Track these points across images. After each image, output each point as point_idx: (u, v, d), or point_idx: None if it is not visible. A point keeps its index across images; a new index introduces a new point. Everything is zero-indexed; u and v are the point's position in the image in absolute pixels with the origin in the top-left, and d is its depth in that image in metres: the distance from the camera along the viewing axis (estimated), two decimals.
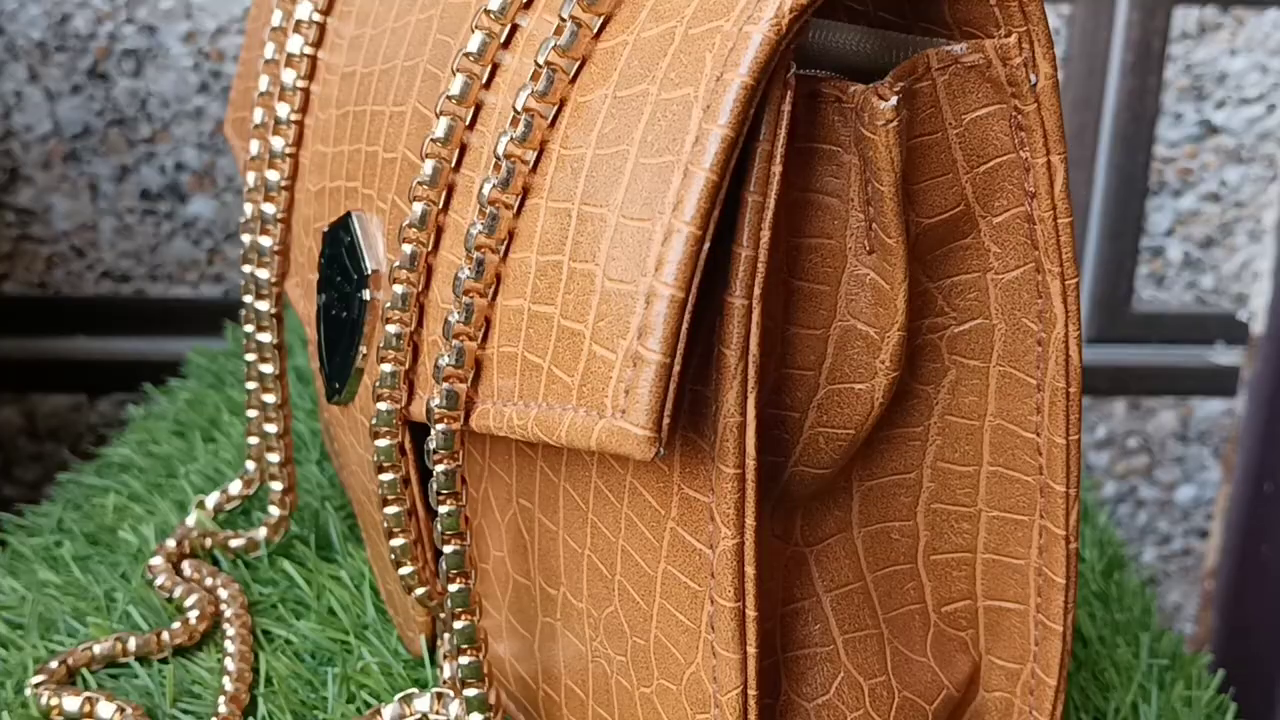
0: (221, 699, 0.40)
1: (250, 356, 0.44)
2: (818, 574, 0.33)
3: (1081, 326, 0.32)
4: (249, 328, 0.44)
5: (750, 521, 0.29)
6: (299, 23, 0.41)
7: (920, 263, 0.32)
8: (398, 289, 0.34)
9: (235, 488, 0.49)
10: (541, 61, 0.30)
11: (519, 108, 0.30)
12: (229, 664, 0.41)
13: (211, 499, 0.49)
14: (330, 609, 0.45)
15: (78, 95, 0.72)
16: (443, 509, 0.33)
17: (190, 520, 0.48)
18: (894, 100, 0.29)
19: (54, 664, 0.41)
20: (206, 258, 0.75)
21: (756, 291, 0.28)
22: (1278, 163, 0.79)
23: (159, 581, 0.46)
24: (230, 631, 0.43)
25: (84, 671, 0.42)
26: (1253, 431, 0.82)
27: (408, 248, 0.33)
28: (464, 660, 0.34)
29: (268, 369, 0.44)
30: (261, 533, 0.48)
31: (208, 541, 0.48)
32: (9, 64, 0.71)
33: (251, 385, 0.45)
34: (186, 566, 0.47)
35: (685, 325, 0.27)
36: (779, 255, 0.30)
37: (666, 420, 0.27)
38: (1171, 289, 0.81)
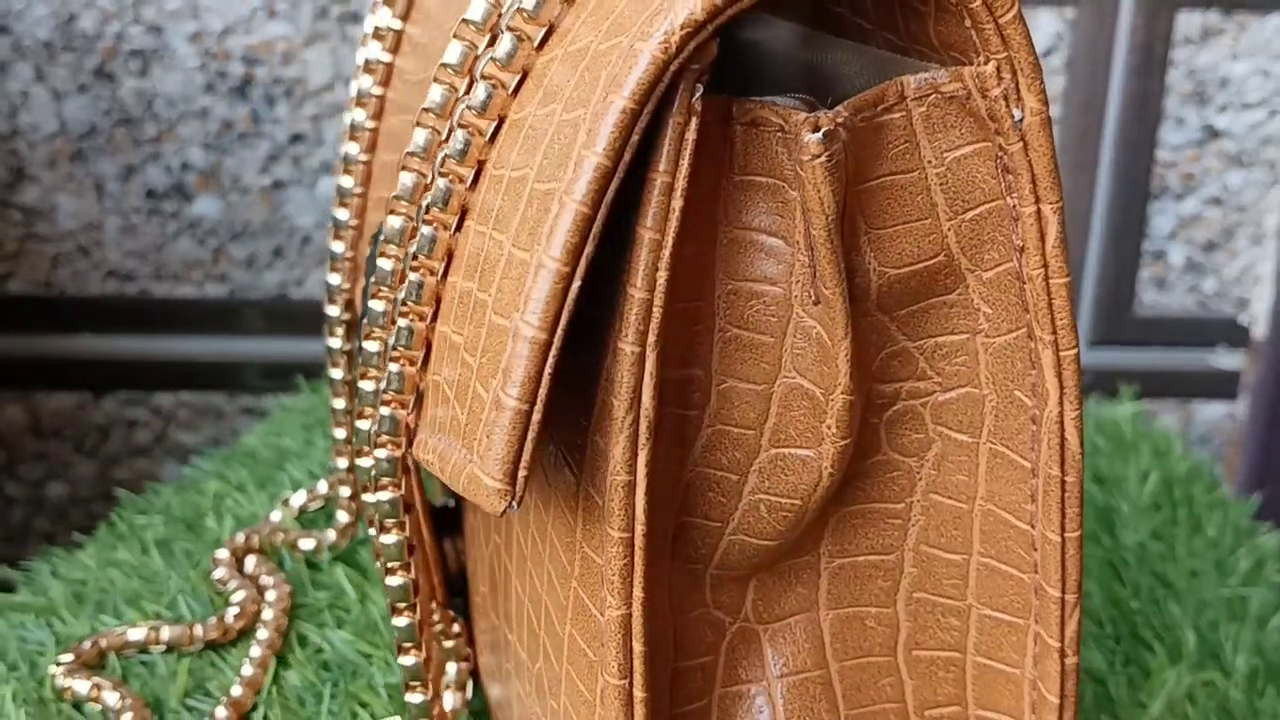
0: (224, 700, 0.40)
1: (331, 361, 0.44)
2: (771, 655, 0.30)
3: (1082, 406, 0.28)
4: (329, 334, 0.43)
5: (638, 592, 0.27)
6: (376, 29, 0.40)
7: (891, 318, 0.28)
8: (375, 305, 0.30)
9: (321, 487, 0.49)
10: (479, 74, 0.28)
11: (457, 122, 0.28)
12: (245, 667, 0.42)
13: (298, 497, 0.49)
14: (372, 622, 0.44)
15: (84, 95, 0.72)
16: (385, 538, 0.30)
17: (274, 516, 0.48)
18: (820, 133, 0.25)
19: (87, 644, 0.42)
20: (212, 258, 0.75)
21: (650, 338, 0.25)
22: (1279, 167, 0.79)
23: (217, 574, 0.46)
24: (261, 634, 0.43)
25: (113, 655, 0.42)
26: (1254, 435, 0.82)
27: (386, 263, 0.30)
28: (413, 699, 0.32)
29: (337, 374, 0.44)
30: (330, 536, 0.47)
31: (279, 539, 0.47)
32: (15, 63, 0.71)
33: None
34: (250, 562, 0.46)
35: (549, 370, 0.25)
36: (713, 299, 0.27)
37: (522, 472, 0.25)
38: (1173, 292, 0.81)
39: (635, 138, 0.24)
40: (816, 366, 0.27)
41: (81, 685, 0.40)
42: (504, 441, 0.25)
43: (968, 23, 0.26)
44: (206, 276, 0.76)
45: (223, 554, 0.46)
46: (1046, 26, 0.75)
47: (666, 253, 0.25)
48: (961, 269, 0.28)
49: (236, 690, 0.41)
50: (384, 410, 0.29)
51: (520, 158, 0.26)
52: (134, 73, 0.72)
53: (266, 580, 0.45)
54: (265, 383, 0.77)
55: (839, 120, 0.26)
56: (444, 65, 0.28)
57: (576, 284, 0.25)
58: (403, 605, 0.31)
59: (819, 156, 0.25)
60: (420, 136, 0.29)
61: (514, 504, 0.25)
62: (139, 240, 0.75)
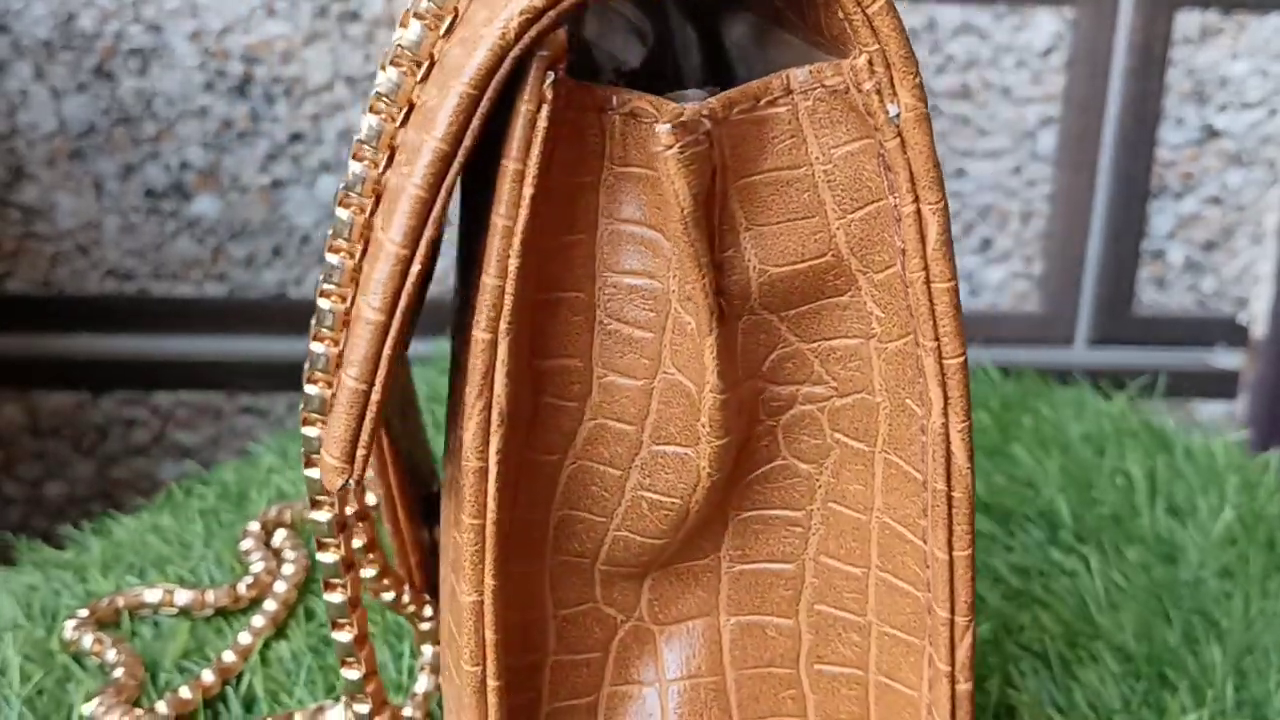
0: (213, 664, 0.41)
1: None
2: (667, 657, 0.29)
3: (970, 417, 0.27)
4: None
5: (490, 580, 0.26)
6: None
7: (781, 318, 0.28)
8: (323, 303, 0.28)
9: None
10: (387, 62, 0.27)
11: (369, 108, 0.27)
12: (243, 635, 0.42)
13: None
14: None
15: (83, 93, 0.72)
16: (315, 514, 0.30)
17: None
18: (669, 124, 0.25)
19: (104, 602, 0.44)
20: (211, 257, 0.75)
21: (502, 325, 0.25)
22: (1279, 167, 0.79)
23: (244, 545, 0.47)
24: (269, 605, 0.44)
25: (127, 614, 0.44)
26: (1253, 435, 0.82)
27: (334, 258, 0.29)
28: (349, 674, 0.31)
29: None
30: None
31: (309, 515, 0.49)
32: (14, 62, 0.71)
33: None
34: (278, 536, 0.48)
35: (388, 351, 0.25)
36: (593, 291, 0.27)
37: (361, 451, 0.25)
38: (1172, 292, 0.81)
39: (476, 123, 0.24)
40: (692, 363, 0.27)
41: (87, 639, 0.42)
42: (341, 420, 0.25)
43: (840, 14, 0.25)
44: (206, 276, 0.76)
45: (254, 526, 0.48)
46: (1046, 26, 0.75)
47: (518, 240, 0.25)
48: (853, 270, 0.27)
49: (228, 656, 0.41)
50: (309, 388, 0.28)
51: (408, 144, 0.27)
52: (133, 71, 0.72)
53: (288, 554, 0.46)
54: (262, 381, 0.77)
55: (704, 113, 0.25)
56: (400, 45, 0.28)
57: (416, 267, 0.25)
58: (335, 581, 0.30)
59: (670, 148, 0.25)
60: (367, 124, 0.28)
61: (349, 481, 0.25)
62: (138, 239, 0.75)
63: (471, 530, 0.26)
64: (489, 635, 0.27)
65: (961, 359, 0.27)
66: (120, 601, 0.44)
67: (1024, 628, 0.44)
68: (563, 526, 0.28)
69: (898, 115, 0.25)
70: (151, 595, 0.44)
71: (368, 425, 0.25)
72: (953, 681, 0.28)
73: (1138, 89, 0.77)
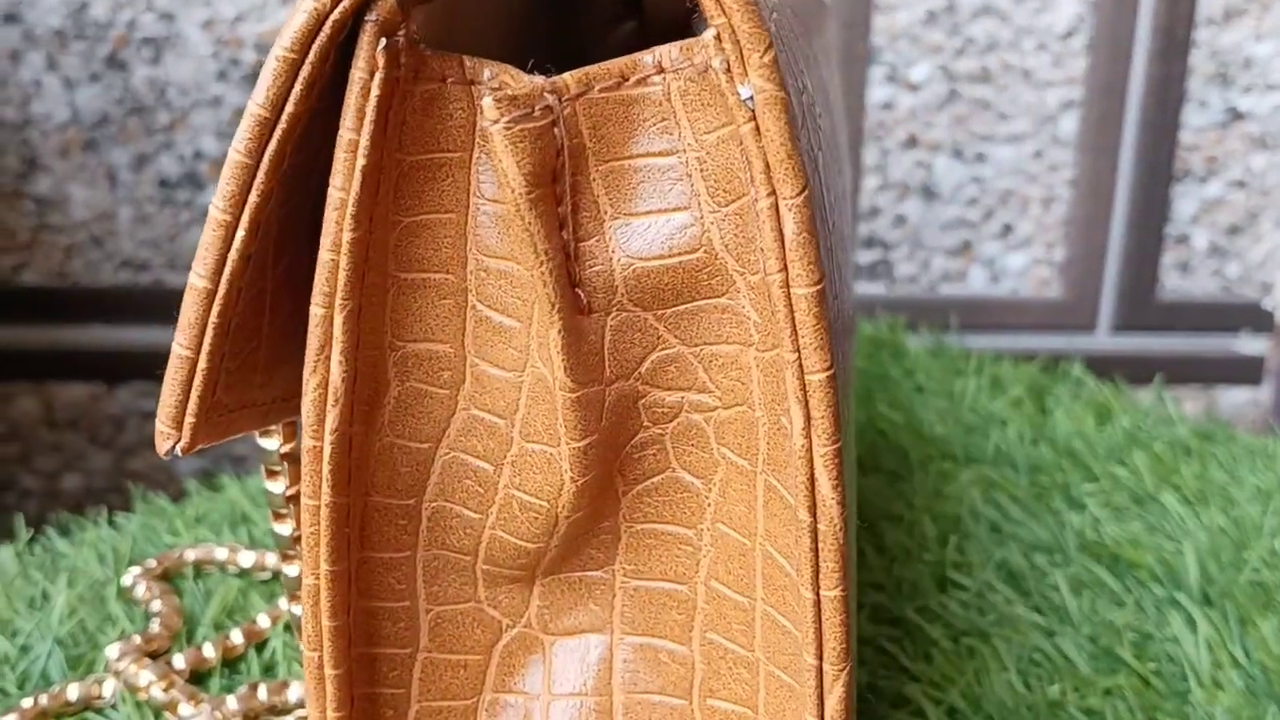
0: (244, 626, 0.43)
1: None
2: (557, 670, 0.28)
3: (839, 441, 0.24)
4: None
5: (326, 566, 0.26)
6: None
7: (657, 316, 0.26)
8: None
9: None
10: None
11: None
12: (281, 600, 0.44)
13: None
14: None
15: (96, 84, 0.72)
16: (269, 484, 0.29)
17: None
18: (491, 97, 0.23)
19: (175, 554, 0.47)
20: None
21: (338, 300, 0.24)
22: None
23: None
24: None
25: (193, 569, 0.47)
26: (1278, 421, 0.82)
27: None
28: (296, 609, 0.31)
29: None
30: None
31: None
32: (27, 52, 0.71)
33: None
34: None
35: (214, 319, 0.25)
36: (464, 274, 0.26)
37: (189, 419, 0.25)
38: (1196, 277, 0.80)
39: (300, 88, 0.24)
40: (551, 358, 0.26)
41: (140, 588, 0.44)
42: (169, 387, 0.25)
43: None
44: None
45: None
46: (1067, 8, 0.74)
47: (350, 212, 0.24)
48: (729, 270, 0.25)
49: (262, 620, 0.43)
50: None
51: None
52: (146, 61, 0.71)
53: None
54: None
55: (547, 88, 0.24)
56: None
57: (241, 233, 0.24)
58: (291, 554, 0.31)
59: (495, 122, 0.23)
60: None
61: (176, 449, 0.25)
62: (152, 230, 0.74)
63: (308, 511, 0.26)
64: (325, 622, 0.26)
65: (826, 374, 0.24)
66: (190, 555, 0.46)
67: (1107, 691, 0.40)
68: (437, 518, 0.27)
69: (750, 98, 0.23)
70: (220, 553, 0.47)
71: (195, 393, 0.25)
72: None
73: (1160, 71, 0.76)
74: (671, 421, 0.26)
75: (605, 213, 0.24)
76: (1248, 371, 0.82)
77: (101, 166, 0.73)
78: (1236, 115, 0.77)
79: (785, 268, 0.23)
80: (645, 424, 0.26)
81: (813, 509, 0.24)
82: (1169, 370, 0.81)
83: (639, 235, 0.25)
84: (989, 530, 0.50)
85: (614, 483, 0.27)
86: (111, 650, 0.40)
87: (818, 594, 0.24)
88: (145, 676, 0.39)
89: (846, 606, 0.25)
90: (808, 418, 0.24)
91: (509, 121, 0.23)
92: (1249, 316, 0.81)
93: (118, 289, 0.75)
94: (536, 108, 0.23)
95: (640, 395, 0.26)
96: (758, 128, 0.23)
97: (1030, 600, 0.45)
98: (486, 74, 0.24)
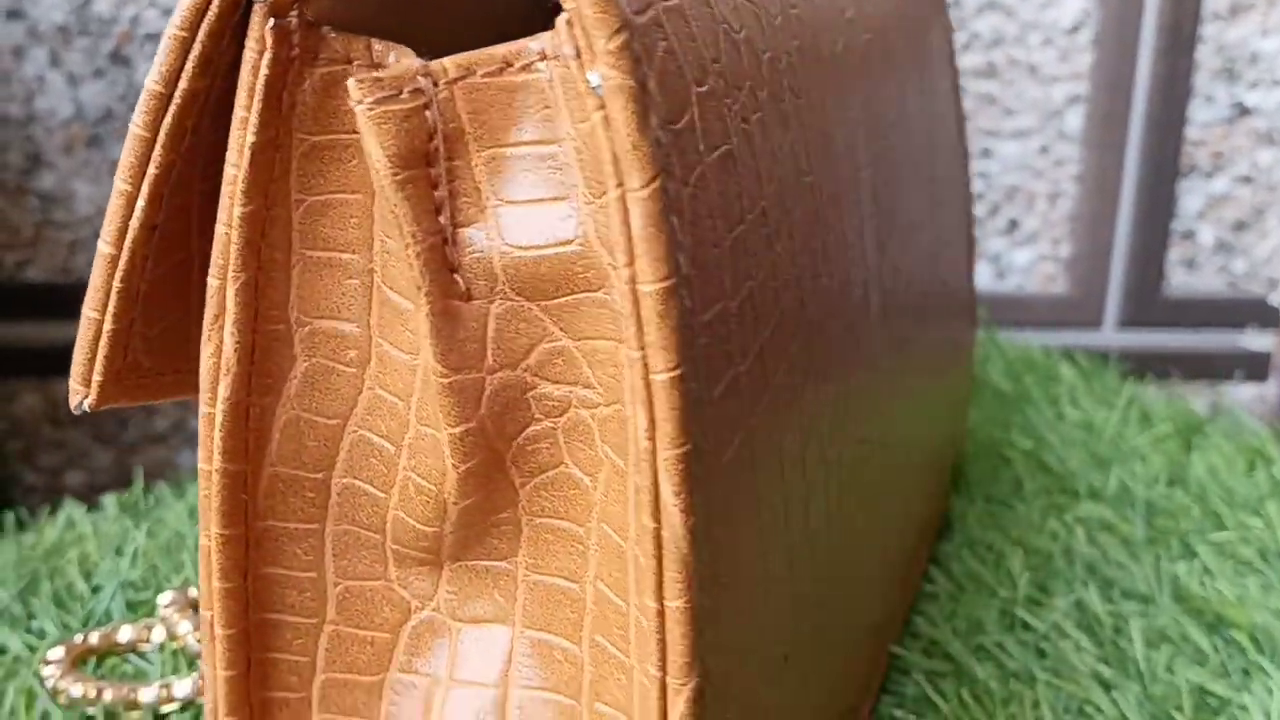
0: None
1: None
2: (461, 656, 0.28)
3: (689, 445, 0.23)
4: None
5: (217, 530, 0.27)
6: None
7: (542, 307, 0.25)
8: None
9: None
10: None
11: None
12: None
13: None
14: None
15: (100, 80, 0.71)
16: None
17: None
18: (354, 80, 0.23)
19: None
20: None
21: (230, 273, 0.25)
22: None
23: None
24: None
25: None
26: None
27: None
28: None
29: None
30: None
31: None
32: (31, 48, 0.71)
33: None
34: None
35: (118, 284, 0.26)
36: (370, 254, 0.26)
37: (96, 377, 0.27)
38: (1202, 273, 0.80)
39: (191, 65, 0.25)
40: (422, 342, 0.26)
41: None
42: (78, 348, 0.27)
43: None
44: None
45: None
46: (1073, 3, 0.74)
47: (240, 188, 0.25)
48: (604, 263, 0.24)
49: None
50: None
51: None
52: (150, 57, 0.71)
53: None
54: None
55: (421, 72, 0.24)
56: None
57: (142, 203, 0.26)
58: None
59: (360, 103, 0.23)
60: None
61: (84, 404, 0.27)
62: None
63: (202, 475, 0.27)
64: (215, 583, 0.27)
65: (672, 375, 0.22)
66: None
67: None
68: (347, 495, 0.28)
69: (599, 86, 0.22)
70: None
71: (102, 352, 0.27)
72: None
73: (1167, 66, 0.76)
74: (562, 416, 0.26)
75: (487, 199, 0.24)
76: (1254, 368, 0.82)
77: (105, 163, 0.73)
78: (1243, 110, 0.77)
79: (631, 261, 0.22)
80: (537, 416, 0.26)
81: (656, 514, 0.23)
82: (1175, 367, 0.81)
83: (519, 224, 0.24)
84: (1083, 570, 0.47)
85: (508, 473, 0.27)
86: (163, 598, 0.42)
87: (660, 604, 0.24)
88: (185, 626, 0.41)
89: (692, 619, 0.24)
90: (651, 419, 0.23)
91: (372, 103, 0.23)
92: (1255, 312, 0.81)
93: None
94: (405, 90, 0.23)
95: (530, 386, 0.26)
96: (606, 118, 0.22)
97: (1100, 649, 0.43)
98: (392, 58, 0.25)
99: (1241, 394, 0.82)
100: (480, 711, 0.27)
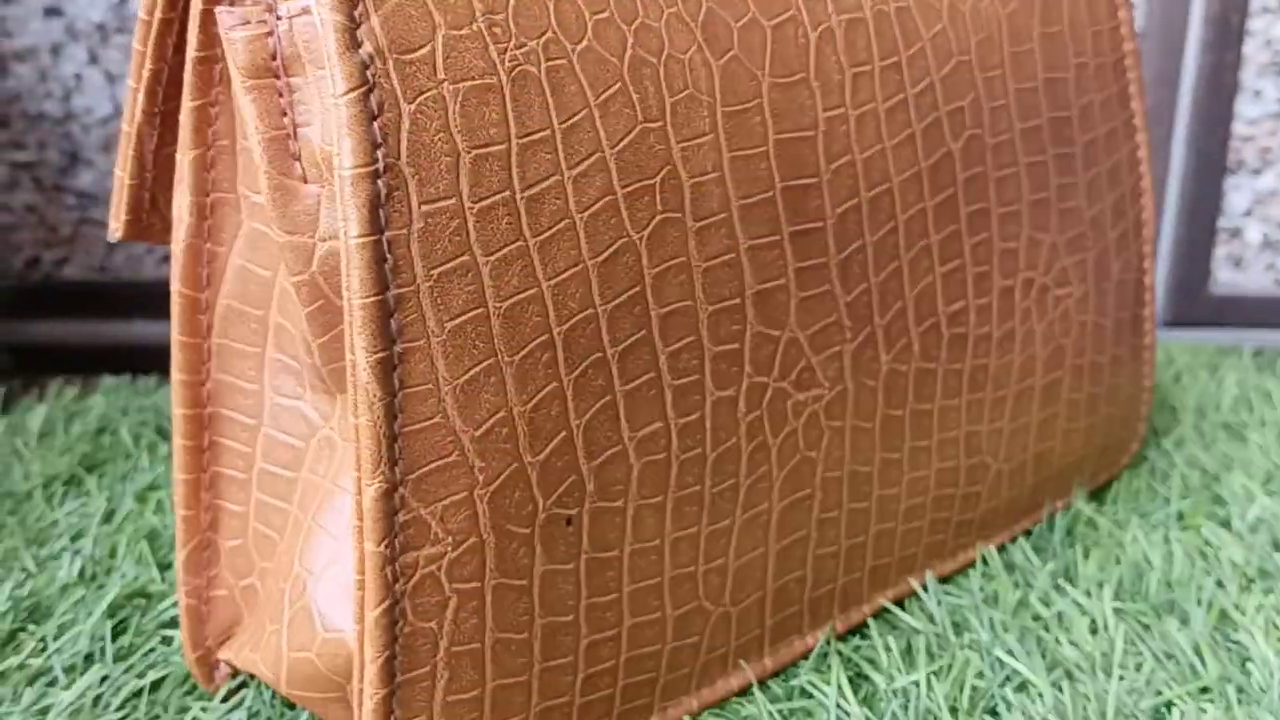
0: None
1: None
2: (338, 462, 0.36)
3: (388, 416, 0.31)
4: None
5: (178, 335, 0.36)
6: None
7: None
8: None
9: None
10: None
11: None
12: None
13: None
14: None
15: None
16: None
17: None
18: (222, 9, 0.32)
19: None
20: None
21: (185, 147, 0.34)
22: None
23: None
24: None
25: None
26: None
27: None
28: None
29: None
30: None
31: None
32: (69, 46, 0.71)
33: None
34: None
35: (131, 152, 0.35)
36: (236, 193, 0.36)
37: (123, 218, 0.36)
38: (1250, 271, 0.79)
39: (162, 2, 0.34)
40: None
41: None
42: (112, 195, 0.37)
43: None
44: None
45: None
46: None
47: (189, 86, 0.34)
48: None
49: None
50: None
51: None
52: None
53: None
54: None
55: (268, 8, 0.31)
56: None
57: (140, 96, 0.35)
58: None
59: (225, 30, 0.31)
60: None
61: (114, 238, 0.37)
62: None
63: (172, 298, 0.37)
64: (176, 375, 0.37)
65: (375, 359, 0.30)
66: None
67: None
68: (279, 329, 0.36)
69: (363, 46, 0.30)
70: None
71: (124, 200, 0.36)
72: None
73: (1213, 61, 0.75)
74: None
75: (316, 107, 0.31)
76: None
77: None
78: None
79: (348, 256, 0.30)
80: None
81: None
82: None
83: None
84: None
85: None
86: None
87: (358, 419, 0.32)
88: None
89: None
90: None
91: (228, 29, 0.31)
92: None
93: (160, 283, 0.74)
94: (254, 20, 0.31)
95: None
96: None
97: None
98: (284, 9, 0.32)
99: None
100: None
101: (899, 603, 0.45)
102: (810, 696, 0.40)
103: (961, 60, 0.42)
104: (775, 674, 0.41)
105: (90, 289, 0.75)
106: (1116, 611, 0.45)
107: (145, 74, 0.35)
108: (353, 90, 0.29)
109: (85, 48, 0.71)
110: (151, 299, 0.74)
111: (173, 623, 0.44)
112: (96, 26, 0.71)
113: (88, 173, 0.73)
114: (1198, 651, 0.42)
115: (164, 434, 0.61)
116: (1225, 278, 0.79)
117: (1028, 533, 0.50)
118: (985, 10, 0.43)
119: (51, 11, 0.70)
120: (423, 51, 0.30)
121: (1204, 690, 0.41)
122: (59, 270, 0.75)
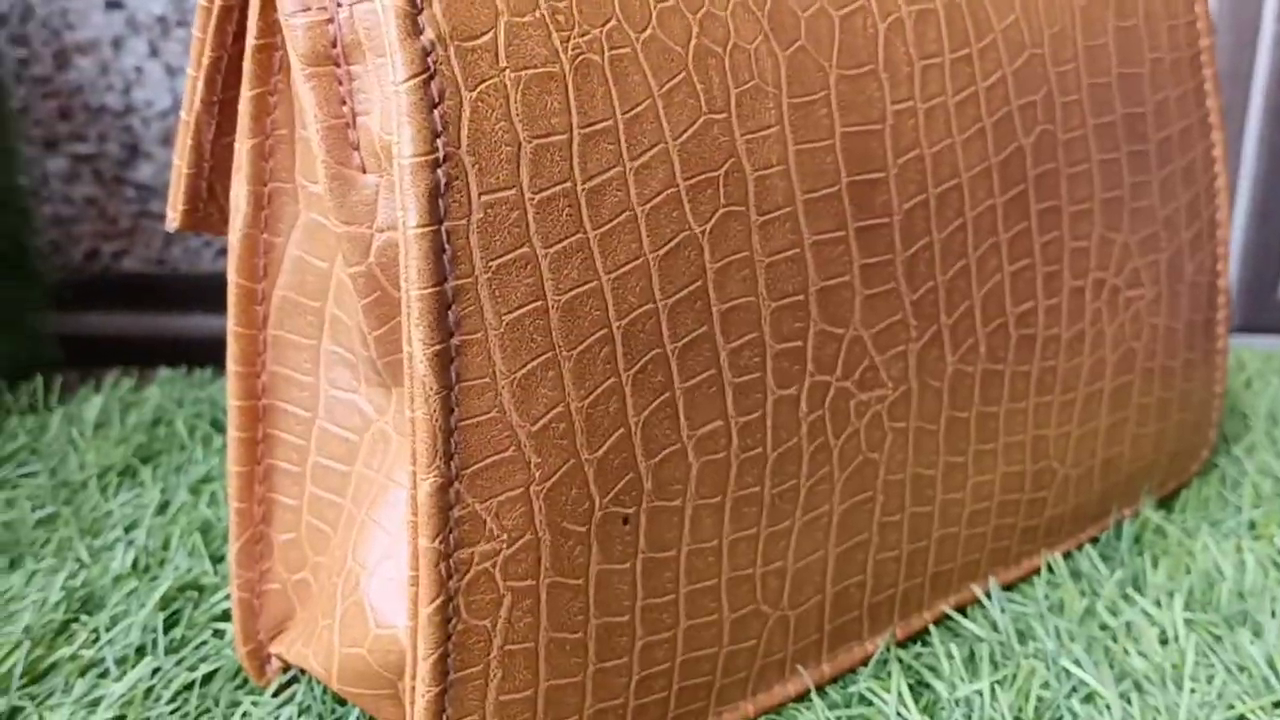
0: None
1: None
2: (393, 454, 0.35)
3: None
4: None
5: (234, 326, 0.36)
6: None
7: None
8: None
9: None
10: None
11: None
12: None
13: None
14: None
15: None
16: None
17: None
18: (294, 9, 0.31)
19: None
20: None
21: (244, 136, 0.34)
22: None
23: None
24: None
25: None
26: None
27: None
28: None
29: None
30: None
31: None
32: (130, 39, 0.71)
33: None
34: None
35: (190, 141, 0.35)
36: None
37: (181, 208, 0.36)
38: None
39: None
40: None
41: None
42: (171, 185, 0.37)
43: None
44: None
45: None
46: None
47: (249, 75, 0.34)
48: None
49: None
50: None
51: None
52: None
53: None
54: None
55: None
56: None
57: (200, 85, 0.35)
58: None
59: (287, 17, 0.31)
60: None
61: (172, 227, 0.36)
62: None
63: (229, 288, 0.36)
64: (234, 366, 0.37)
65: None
66: None
67: None
68: (335, 321, 0.36)
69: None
70: None
71: (182, 190, 0.36)
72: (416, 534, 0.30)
73: None
74: None
75: (376, 96, 0.31)
76: None
77: None
78: None
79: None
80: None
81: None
82: None
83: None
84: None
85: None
86: None
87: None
88: None
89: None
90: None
91: (289, 15, 0.31)
92: None
93: (217, 276, 0.74)
94: (314, 7, 0.30)
95: None
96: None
97: None
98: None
99: None
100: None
101: (961, 610, 0.44)
102: (870, 704, 0.40)
103: (1034, 53, 0.41)
104: (833, 680, 0.40)
105: (148, 281, 0.75)
106: (1187, 622, 0.43)
107: (205, 62, 0.34)
108: (414, 77, 0.28)
109: (146, 40, 0.71)
110: (208, 292, 0.75)
111: (225, 616, 0.44)
112: (157, 19, 0.71)
113: (147, 165, 0.73)
114: (1271, 664, 0.41)
115: (219, 426, 0.61)
116: None
117: (1094, 540, 0.49)
118: (1059, 2, 0.42)
119: (113, 4, 0.71)
120: (485, 39, 0.29)
121: (1277, 705, 0.39)
122: (118, 262, 0.75)
